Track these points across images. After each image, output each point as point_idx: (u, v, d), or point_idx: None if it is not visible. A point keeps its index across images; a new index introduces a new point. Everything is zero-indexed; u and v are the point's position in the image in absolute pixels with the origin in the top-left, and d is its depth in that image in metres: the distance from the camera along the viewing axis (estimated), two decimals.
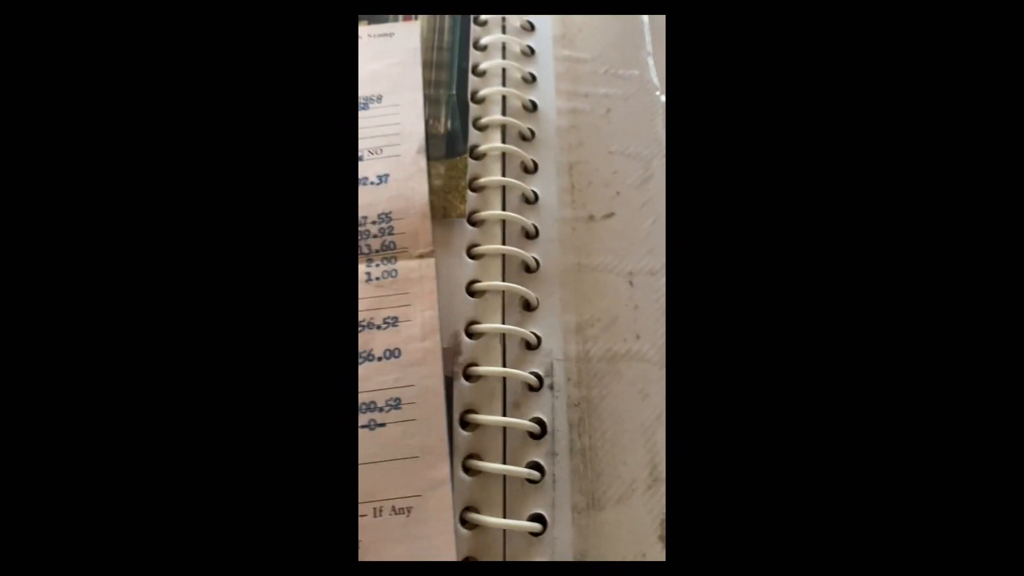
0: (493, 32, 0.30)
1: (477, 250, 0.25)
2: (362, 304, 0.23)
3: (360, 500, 0.20)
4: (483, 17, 0.31)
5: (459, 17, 0.31)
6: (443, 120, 0.28)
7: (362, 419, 0.21)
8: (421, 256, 0.24)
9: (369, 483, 0.20)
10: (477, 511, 0.21)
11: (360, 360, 0.22)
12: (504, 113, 0.28)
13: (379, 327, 0.22)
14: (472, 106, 0.28)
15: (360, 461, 0.20)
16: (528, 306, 0.24)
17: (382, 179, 0.25)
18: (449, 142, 0.27)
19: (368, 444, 0.21)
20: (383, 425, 0.21)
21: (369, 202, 0.25)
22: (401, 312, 0.23)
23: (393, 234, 0.24)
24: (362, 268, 0.24)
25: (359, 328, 0.22)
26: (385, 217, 0.24)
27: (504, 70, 0.29)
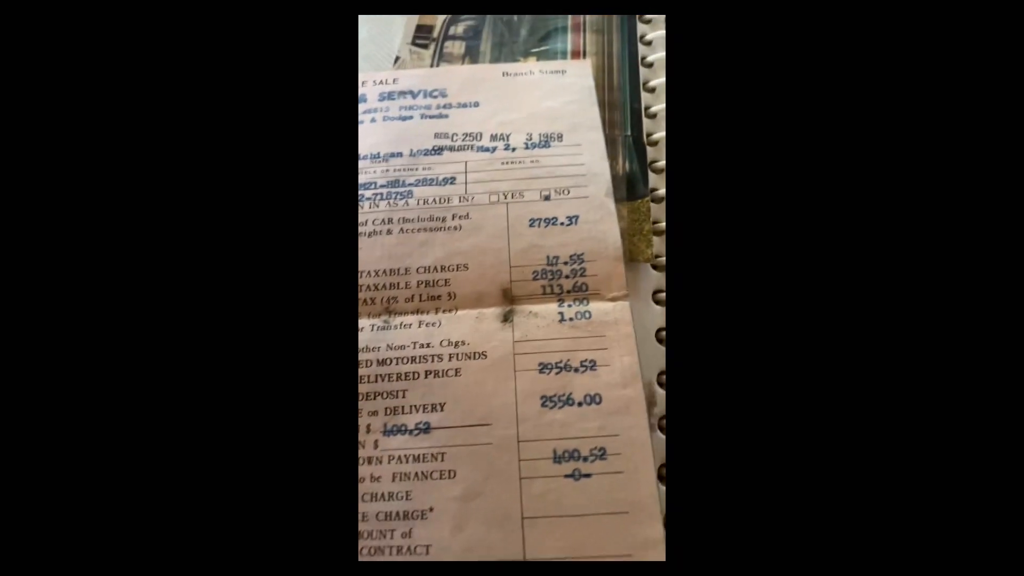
0: (661, 75, 0.29)
1: (664, 296, 0.23)
2: (557, 345, 0.21)
3: (565, 555, 0.18)
4: (650, 58, 0.29)
5: (627, 57, 0.30)
6: (621, 161, 0.26)
7: (565, 468, 0.20)
8: (614, 299, 0.22)
9: (575, 537, 0.18)
10: None
11: (558, 404, 0.21)
12: None
13: (577, 370, 0.21)
14: (648, 148, 0.27)
15: (565, 513, 0.19)
16: None
17: (572, 220, 0.24)
18: (630, 184, 0.26)
19: (573, 495, 0.19)
20: (588, 476, 0.19)
21: (560, 242, 0.23)
22: (599, 356, 0.21)
23: (585, 276, 0.23)
24: (554, 307, 0.22)
25: (557, 369, 0.21)
26: (577, 258, 0.23)
27: None
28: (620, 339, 0.21)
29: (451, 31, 0.31)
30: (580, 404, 0.20)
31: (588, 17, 0.31)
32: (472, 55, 0.30)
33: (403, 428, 0.21)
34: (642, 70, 0.29)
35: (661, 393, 0.21)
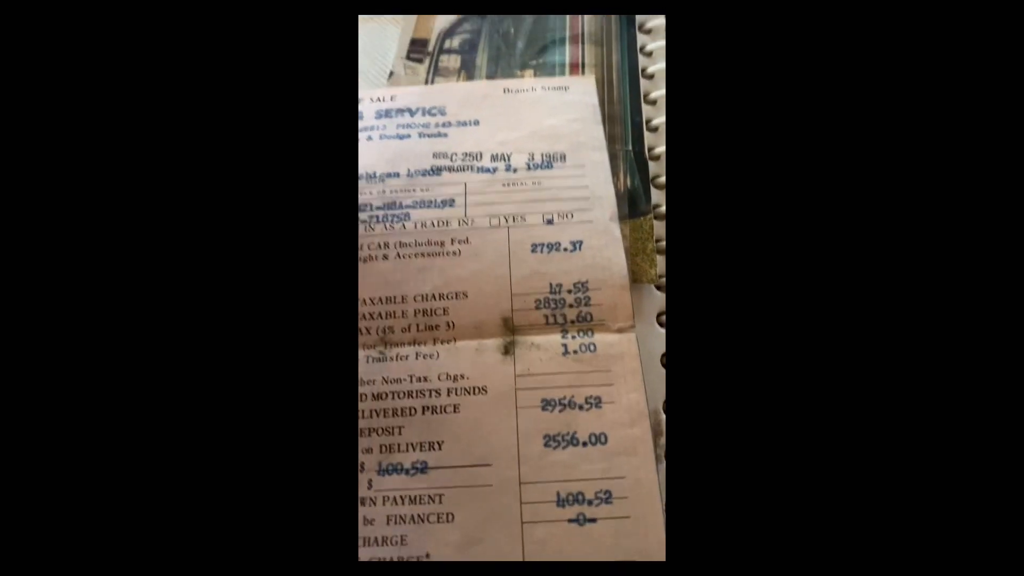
0: (662, 86, 0.28)
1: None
2: (561, 380, 0.20)
3: None
4: (650, 69, 0.28)
5: (627, 69, 0.28)
6: (622, 177, 0.25)
7: (569, 512, 0.19)
8: (620, 330, 0.21)
9: None
10: None
11: (562, 444, 0.20)
12: None
13: (582, 407, 0.20)
14: (650, 163, 0.26)
15: (570, 558, 0.18)
16: None
17: (576, 246, 0.23)
18: (631, 201, 0.24)
19: (578, 542, 0.18)
20: (594, 521, 0.18)
21: (564, 270, 0.22)
22: (604, 392, 0.20)
23: (590, 305, 0.22)
24: (557, 339, 0.21)
25: (560, 406, 0.20)
26: (581, 286, 0.22)
27: None
28: (627, 374, 0.20)
29: (446, 44, 0.30)
30: (585, 444, 0.19)
31: (586, 28, 0.30)
32: (468, 69, 0.29)
33: (399, 467, 0.20)
34: (643, 82, 0.28)
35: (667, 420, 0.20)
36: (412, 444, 0.20)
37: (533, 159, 0.25)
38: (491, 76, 0.29)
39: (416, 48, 0.30)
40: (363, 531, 0.19)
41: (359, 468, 0.20)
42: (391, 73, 0.29)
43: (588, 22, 0.30)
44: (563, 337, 0.21)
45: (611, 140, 0.26)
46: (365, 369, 0.21)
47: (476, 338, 0.21)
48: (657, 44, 0.29)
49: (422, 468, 0.20)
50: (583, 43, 0.30)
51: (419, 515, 0.19)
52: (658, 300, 0.23)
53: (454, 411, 0.20)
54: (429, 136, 0.26)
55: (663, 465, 0.19)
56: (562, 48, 0.29)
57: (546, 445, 0.19)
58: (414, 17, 0.31)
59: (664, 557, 0.18)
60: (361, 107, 0.27)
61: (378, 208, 0.24)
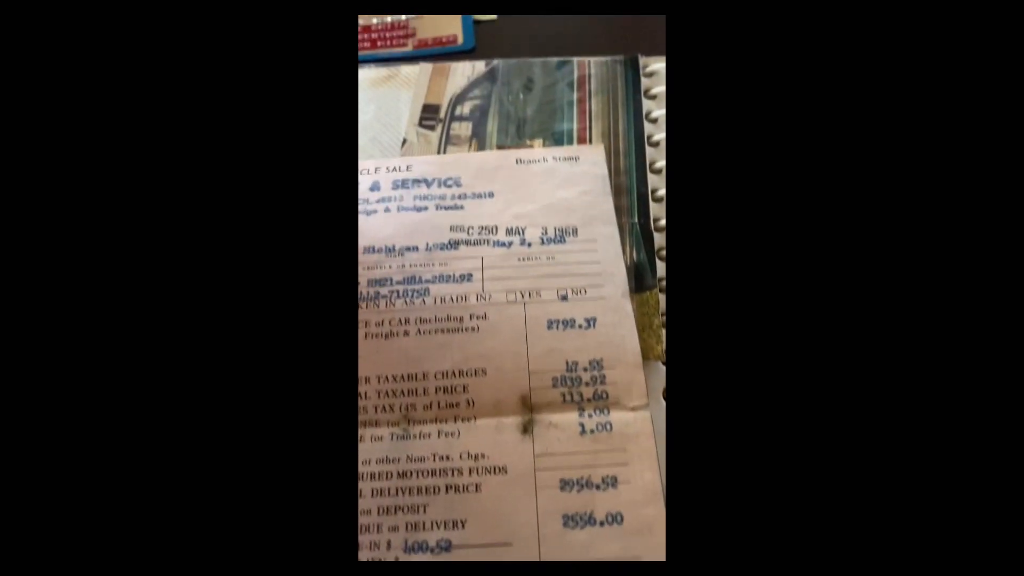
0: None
1: None
2: (578, 460, 0.21)
3: None
4: (656, 137, 0.29)
5: (633, 137, 0.29)
6: (628, 251, 0.26)
7: None
8: (635, 409, 0.22)
9: None
10: None
11: (580, 524, 0.20)
12: None
13: (598, 487, 0.21)
14: (656, 235, 0.27)
15: None
16: None
17: (590, 323, 0.24)
18: (638, 275, 0.25)
19: None
20: None
21: (579, 347, 0.23)
22: (620, 472, 0.21)
23: (605, 383, 0.23)
24: (575, 418, 0.22)
25: (578, 487, 0.21)
26: (596, 364, 0.23)
27: None
28: (642, 453, 0.21)
29: (457, 111, 0.31)
30: (602, 524, 0.20)
31: (593, 96, 0.31)
32: (479, 136, 0.30)
33: (424, 545, 0.20)
34: (648, 150, 0.29)
35: None
36: (436, 522, 0.21)
37: (547, 233, 0.26)
38: (501, 144, 0.29)
39: (428, 114, 0.31)
40: None
41: (385, 546, 0.20)
42: (404, 140, 0.30)
43: (595, 83, 0.31)
44: (580, 416, 0.22)
45: (618, 212, 0.27)
46: (390, 447, 0.22)
47: (496, 416, 0.22)
48: (662, 112, 0.30)
49: (446, 547, 0.20)
50: (590, 110, 0.31)
51: None
52: (665, 375, 0.23)
53: (476, 490, 0.21)
54: (446, 208, 0.27)
55: None
56: (570, 115, 0.30)
57: (565, 525, 0.20)
58: (426, 82, 0.32)
59: None
60: (378, 176, 0.28)
61: (398, 283, 0.25)
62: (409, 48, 0.37)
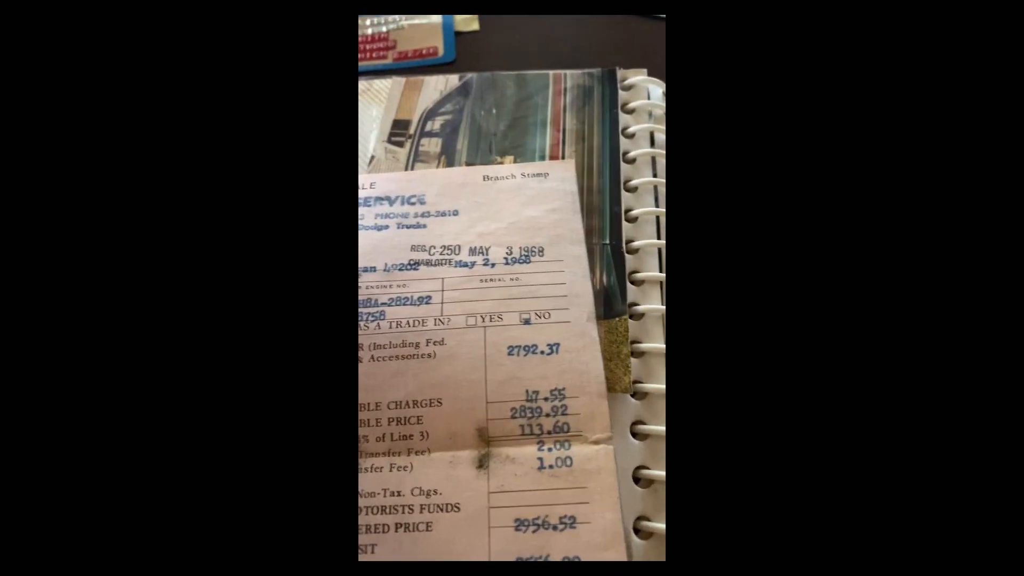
0: (645, 173, 0.28)
1: (643, 429, 0.22)
2: (536, 497, 0.20)
3: None
4: (632, 153, 0.28)
5: (608, 152, 0.28)
6: (598, 274, 0.25)
7: None
8: (597, 442, 0.21)
9: None
10: None
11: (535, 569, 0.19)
12: (662, 268, 0.25)
13: (556, 527, 0.19)
14: (628, 257, 0.25)
15: None
16: None
17: (553, 348, 0.22)
18: (607, 300, 0.24)
19: None
20: None
21: (541, 374, 0.22)
22: (580, 511, 0.20)
23: (567, 414, 0.21)
24: (533, 451, 0.21)
25: (535, 526, 0.19)
26: (558, 394, 0.22)
27: (658, 217, 0.27)
28: (603, 491, 0.20)
29: (427, 127, 0.30)
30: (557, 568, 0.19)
31: (568, 110, 0.30)
32: (448, 153, 0.29)
33: None
34: (624, 167, 0.28)
35: (639, 543, 0.20)
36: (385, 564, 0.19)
37: (511, 253, 0.25)
38: (471, 161, 0.28)
39: (397, 130, 0.30)
40: None
41: None
42: (372, 158, 0.29)
43: (570, 96, 0.30)
44: (539, 449, 0.21)
45: (589, 233, 0.26)
46: None
47: (450, 449, 0.21)
48: (641, 126, 0.29)
49: None
50: (564, 125, 0.29)
51: None
52: (632, 409, 0.22)
53: (427, 529, 0.20)
54: (408, 227, 0.26)
55: None
56: (543, 130, 0.29)
57: None
58: (398, 96, 0.31)
59: None
60: None
61: None
62: (389, 60, 0.36)
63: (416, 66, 0.36)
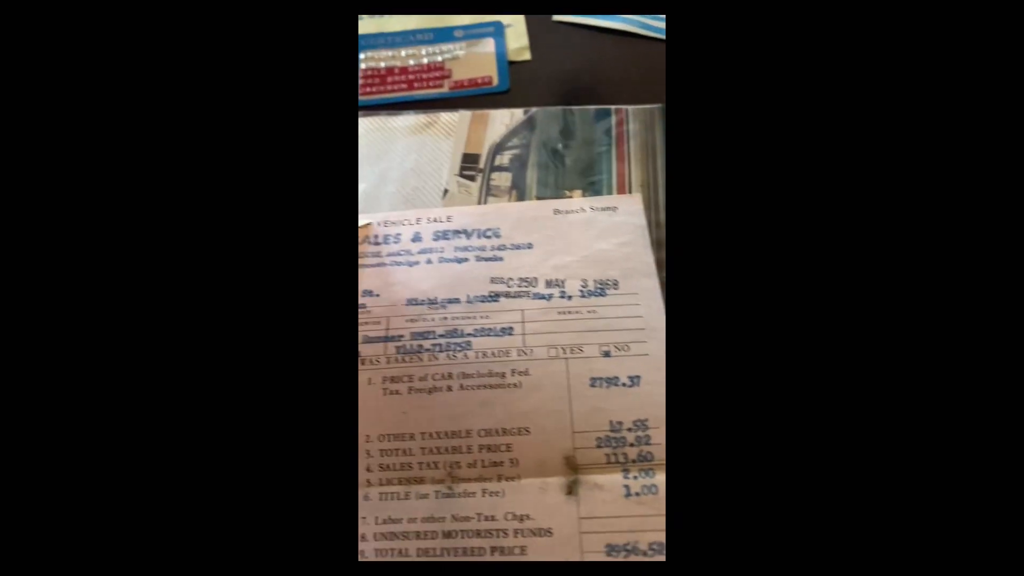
0: None
1: None
2: (623, 524, 0.21)
3: None
4: None
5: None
6: None
7: None
8: None
9: None
10: None
11: None
12: None
13: (645, 554, 0.20)
14: None
15: None
16: None
17: (634, 380, 0.23)
18: None
19: None
20: None
21: (623, 406, 0.23)
22: None
23: (650, 444, 0.22)
24: (619, 479, 0.22)
25: (625, 552, 0.21)
26: (641, 424, 0.23)
27: None
28: None
29: (496, 161, 0.31)
30: None
31: (631, 145, 0.31)
32: (519, 187, 0.30)
33: None
34: None
35: None
36: None
37: (587, 286, 0.26)
38: (541, 195, 0.30)
39: (468, 164, 0.31)
40: None
41: None
42: (446, 191, 0.30)
43: (632, 131, 0.31)
44: (625, 477, 0.22)
45: (659, 265, 0.27)
46: (435, 505, 0.22)
47: (540, 476, 0.22)
48: None
49: None
50: (629, 159, 0.30)
51: None
52: None
53: (521, 552, 0.21)
54: (486, 260, 0.27)
55: None
56: (608, 165, 0.30)
57: None
58: (465, 130, 0.32)
59: None
60: (419, 227, 0.28)
61: (441, 336, 0.25)
62: (445, 89, 0.38)
63: (471, 95, 0.37)
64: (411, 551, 0.21)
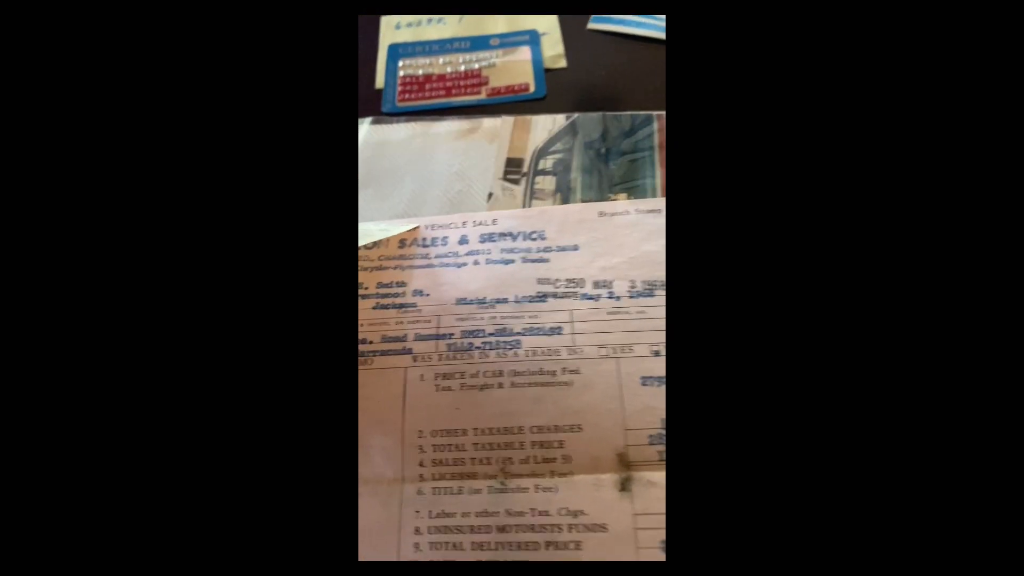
0: None
1: None
2: None
3: None
4: None
5: None
6: None
7: None
8: None
9: None
10: None
11: None
12: None
13: None
14: None
15: None
16: None
17: None
18: None
19: None
20: None
21: None
22: None
23: None
24: None
25: None
26: None
27: None
28: None
29: (540, 165, 0.31)
30: None
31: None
32: (563, 191, 0.30)
33: None
34: None
35: None
36: None
37: (634, 286, 0.26)
38: (586, 198, 0.30)
39: (512, 168, 0.31)
40: None
41: None
42: (490, 195, 0.30)
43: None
44: None
45: None
46: (488, 500, 0.22)
47: (593, 472, 0.22)
48: None
49: None
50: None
51: None
52: None
53: (576, 548, 0.21)
54: (532, 261, 0.27)
55: None
56: (652, 168, 0.31)
57: None
58: (508, 135, 0.33)
59: None
60: (466, 230, 0.29)
61: (491, 334, 0.25)
62: (483, 96, 0.38)
63: (509, 101, 0.37)
64: (465, 544, 0.21)
